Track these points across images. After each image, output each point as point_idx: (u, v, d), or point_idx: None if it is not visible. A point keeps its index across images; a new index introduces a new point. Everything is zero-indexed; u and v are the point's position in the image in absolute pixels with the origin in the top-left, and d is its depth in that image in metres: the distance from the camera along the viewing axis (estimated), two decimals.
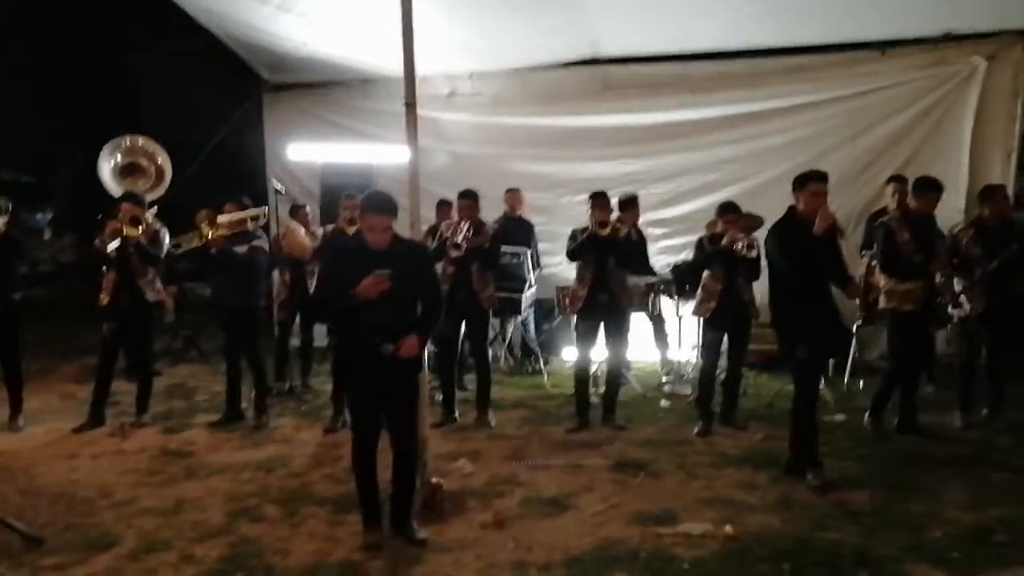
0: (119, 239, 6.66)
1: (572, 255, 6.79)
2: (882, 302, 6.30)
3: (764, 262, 6.63)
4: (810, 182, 5.27)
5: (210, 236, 6.70)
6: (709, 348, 6.71)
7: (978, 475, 5.33)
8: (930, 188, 6.07)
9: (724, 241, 6.47)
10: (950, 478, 5.28)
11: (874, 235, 6.72)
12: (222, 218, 6.79)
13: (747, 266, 6.54)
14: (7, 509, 4.89)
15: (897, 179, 7.55)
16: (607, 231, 6.50)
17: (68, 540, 4.62)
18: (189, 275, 10.29)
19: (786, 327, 5.38)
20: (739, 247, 6.42)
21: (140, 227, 6.70)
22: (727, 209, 6.64)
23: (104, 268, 6.86)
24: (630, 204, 7.89)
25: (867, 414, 6.37)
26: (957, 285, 6.35)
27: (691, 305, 7.11)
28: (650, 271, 8.06)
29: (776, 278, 5.43)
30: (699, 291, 6.80)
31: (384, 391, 4.41)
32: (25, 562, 4.33)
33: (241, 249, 6.81)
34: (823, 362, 5.60)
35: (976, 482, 5.20)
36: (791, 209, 5.40)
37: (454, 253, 6.68)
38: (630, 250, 6.85)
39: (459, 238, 6.63)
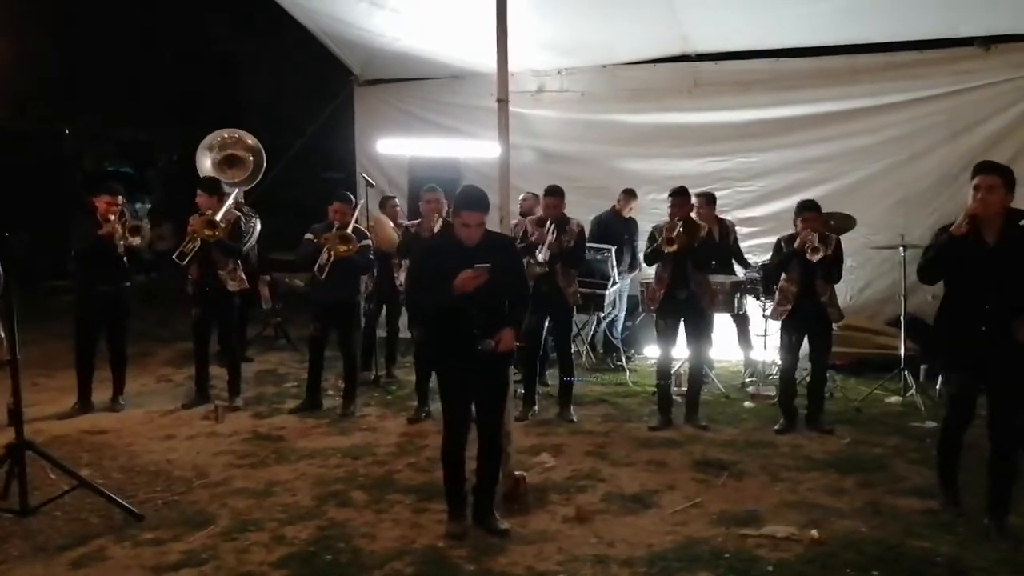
0: (198, 242, 6.90)
1: (648, 261, 6.86)
2: None
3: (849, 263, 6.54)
4: (974, 176, 4.36)
5: (338, 252, 6.83)
6: (787, 349, 6.62)
7: None
8: None
9: (796, 243, 6.35)
10: None
11: None
12: (341, 245, 6.89)
13: (824, 267, 6.39)
14: (110, 485, 5.13)
15: None
16: (673, 248, 6.46)
17: (166, 517, 4.81)
18: (279, 265, 10.57)
19: (940, 348, 4.98)
20: (807, 248, 6.28)
21: (216, 230, 6.89)
22: (806, 207, 6.51)
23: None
24: (707, 202, 7.84)
25: None
26: None
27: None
28: (732, 269, 7.93)
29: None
30: (777, 293, 6.72)
31: (478, 384, 4.49)
32: (126, 536, 4.52)
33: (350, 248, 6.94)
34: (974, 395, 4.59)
35: None
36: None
37: (538, 269, 6.68)
38: (708, 251, 6.77)
39: (541, 256, 6.64)
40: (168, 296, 12.82)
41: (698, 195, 7.67)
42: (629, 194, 8.92)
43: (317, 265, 6.92)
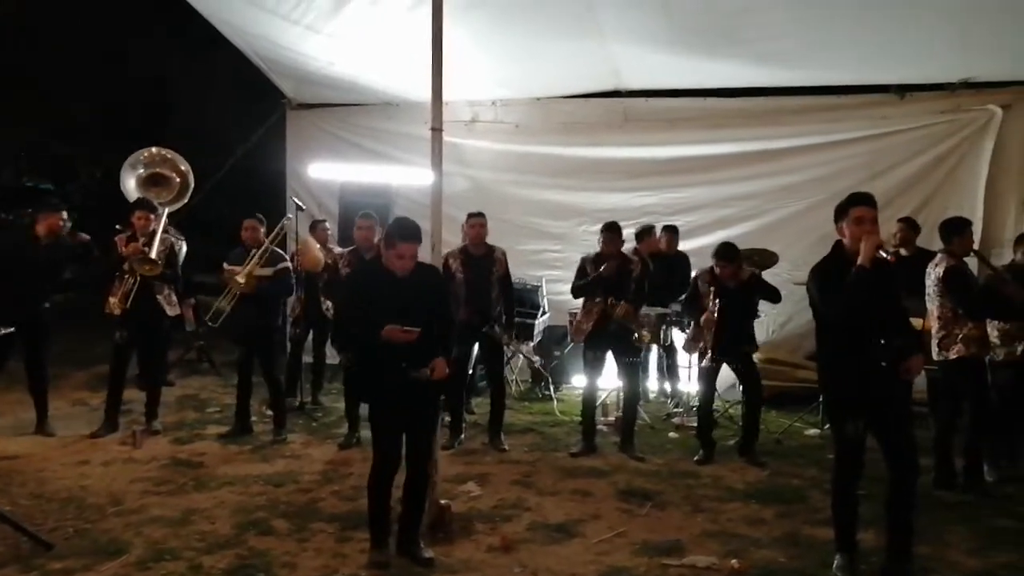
0: (137, 278, 6.77)
1: (576, 293, 6.94)
2: (960, 350, 5.78)
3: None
4: (852, 207, 4.33)
5: (244, 284, 6.80)
6: (704, 381, 6.79)
7: (983, 521, 5.30)
8: (968, 225, 6.06)
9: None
10: (954, 523, 5.24)
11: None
12: (250, 269, 6.86)
13: (743, 302, 6.64)
14: (17, 512, 4.94)
15: (904, 220, 7.60)
16: (619, 315, 6.64)
17: (76, 546, 4.65)
18: (203, 288, 10.36)
19: (829, 392, 4.68)
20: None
21: (155, 265, 6.77)
22: (718, 255, 6.67)
23: (116, 275, 6.90)
24: (646, 234, 7.98)
25: (964, 482, 5.88)
26: (992, 328, 6.04)
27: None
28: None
29: (820, 329, 4.55)
30: (692, 328, 6.91)
31: (410, 414, 4.48)
32: (34, 566, 4.35)
33: (266, 272, 6.89)
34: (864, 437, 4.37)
35: (981, 528, 5.18)
36: (836, 245, 4.51)
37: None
38: (640, 288, 6.89)
39: None
40: (84, 317, 12.46)
41: (636, 231, 7.86)
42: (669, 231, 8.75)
43: (218, 304, 6.93)
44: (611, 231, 6.79)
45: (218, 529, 4.94)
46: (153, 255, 6.78)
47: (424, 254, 4.57)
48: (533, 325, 8.54)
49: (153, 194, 7.87)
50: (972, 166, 8.37)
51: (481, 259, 6.96)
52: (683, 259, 8.56)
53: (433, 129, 5.00)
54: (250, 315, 6.91)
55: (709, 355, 6.66)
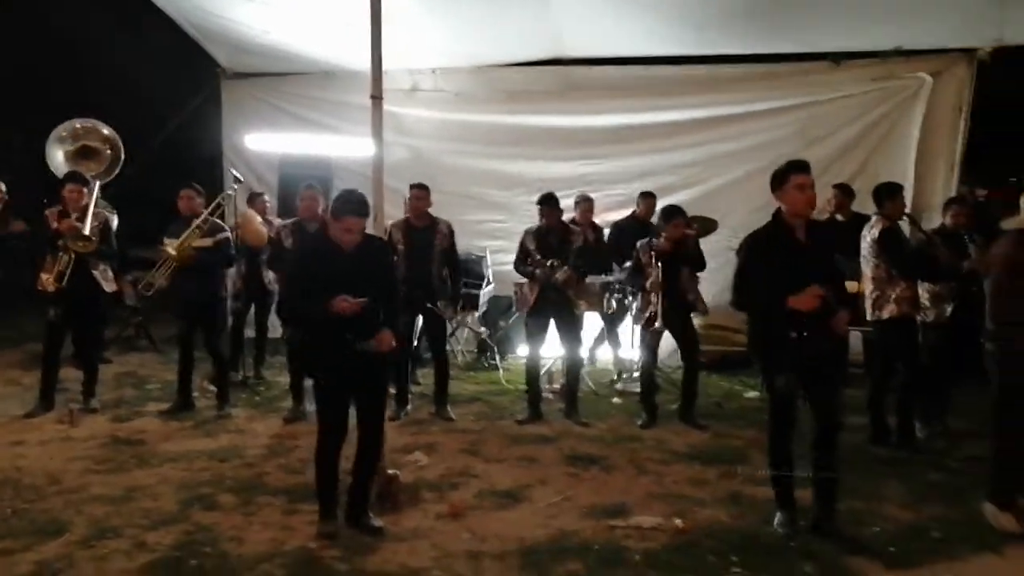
0: (72, 256, 6.58)
1: (519, 271, 7.02)
2: (892, 311, 5.96)
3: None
4: (790, 175, 4.38)
5: (177, 255, 6.65)
6: (647, 347, 6.89)
7: (915, 476, 5.50)
8: (900, 189, 6.22)
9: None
10: (888, 477, 5.44)
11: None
12: (185, 241, 6.73)
13: (686, 264, 6.76)
14: None
15: (838, 186, 7.76)
16: (561, 280, 6.70)
17: (15, 526, 4.56)
18: (142, 264, 10.13)
19: (763, 351, 4.58)
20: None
21: (88, 242, 6.59)
22: (673, 213, 6.79)
23: (49, 251, 6.69)
24: (584, 202, 8.04)
25: (897, 439, 6.08)
26: (922, 290, 6.25)
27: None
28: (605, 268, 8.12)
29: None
30: (640, 297, 6.97)
31: (356, 385, 4.47)
32: None
33: (206, 243, 6.75)
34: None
35: (913, 482, 5.37)
36: (776, 213, 4.54)
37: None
38: (586, 260, 6.97)
39: None
40: (14, 294, 12.09)
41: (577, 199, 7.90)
42: (648, 197, 8.61)
43: (149, 277, 6.84)
44: (548, 204, 6.84)
45: (162, 506, 4.87)
46: (87, 231, 6.59)
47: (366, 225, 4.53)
48: (478, 296, 8.55)
49: (84, 167, 7.62)
50: (903, 132, 8.60)
51: (423, 231, 6.93)
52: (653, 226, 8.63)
53: (373, 98, 4.95)
54: (191, 288, 6.77)
55: (658, 321, 6.70)
